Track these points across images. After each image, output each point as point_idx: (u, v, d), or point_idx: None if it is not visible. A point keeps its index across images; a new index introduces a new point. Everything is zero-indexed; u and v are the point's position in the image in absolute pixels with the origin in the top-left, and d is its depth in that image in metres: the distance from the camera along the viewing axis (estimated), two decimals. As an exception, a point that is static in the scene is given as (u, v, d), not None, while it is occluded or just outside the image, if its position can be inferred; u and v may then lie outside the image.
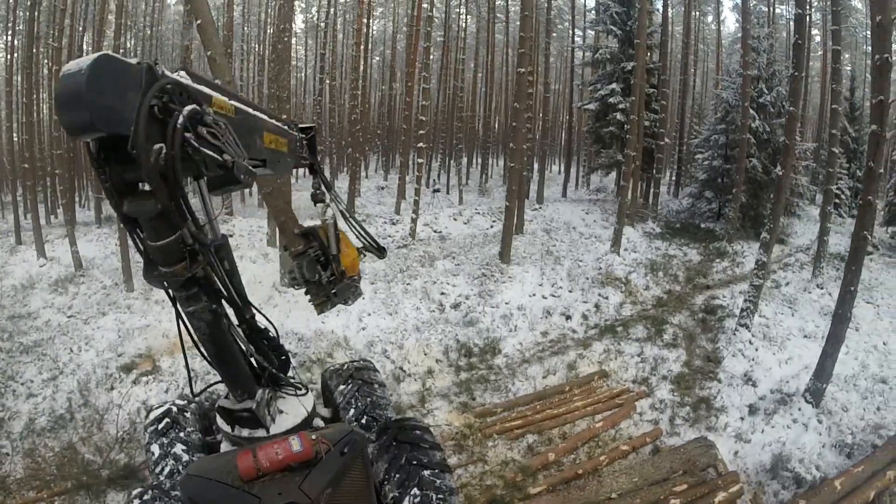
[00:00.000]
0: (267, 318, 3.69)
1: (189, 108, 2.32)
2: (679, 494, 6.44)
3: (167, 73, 2.39)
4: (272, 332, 3.72)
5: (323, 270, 4.40)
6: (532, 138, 24.90)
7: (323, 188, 4.53)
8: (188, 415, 5.25)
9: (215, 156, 2.44)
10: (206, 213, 3.08)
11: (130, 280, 13.86)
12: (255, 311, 3.45)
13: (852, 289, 9.07)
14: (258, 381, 3.64)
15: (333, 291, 4.48)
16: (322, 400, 6.02)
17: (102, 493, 6.74)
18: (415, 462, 4.29)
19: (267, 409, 3.58)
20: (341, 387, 5.70)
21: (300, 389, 3.91)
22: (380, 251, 4.80)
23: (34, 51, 17.57)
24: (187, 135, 2.32)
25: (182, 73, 2.57)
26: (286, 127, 3.93)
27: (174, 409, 5.25)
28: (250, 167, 2.75)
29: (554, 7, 34.26)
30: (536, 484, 6.64)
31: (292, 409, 3.78)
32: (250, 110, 3.20)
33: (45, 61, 22.43)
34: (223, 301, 3.05)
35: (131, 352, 10.64)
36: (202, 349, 3.18)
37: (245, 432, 3.56)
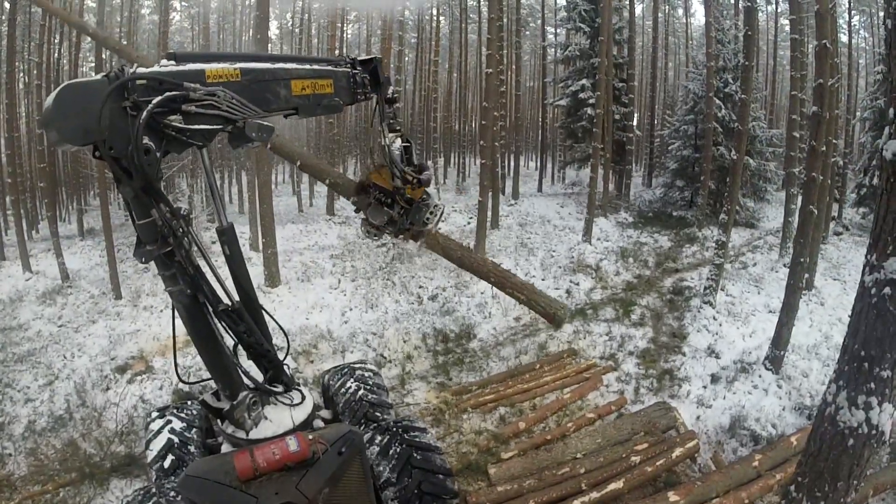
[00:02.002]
0: (269, 315, 3.82)
1: (156, 100, 2.70)
2: (640, 452, 6.84)
3: (142, 70, 2.76)
4: (261, 339, 3.64)
5: (390, 209, 4.38)
6: (504, 136, 25.44)
7: (387, 118, 4.41)
8: (188, 434, 5.22)
9: (208, 126, 2.87)
10: (215, 203, 3.54)
11: (118, 288, 14.17)
12: (247, 306, 3.51)
13: (802, 260, 9.62)
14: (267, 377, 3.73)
15: (410, 221, 4.44)
16: (322, 401, 6.11)
17: (106, 481, 7.07)
18: (417, 467, 4.35)
19: (247, 413, 3.52)
20: (341, 388, 5.79)
21: (295, 399, 3.87)
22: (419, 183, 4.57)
23: (14, 66, 17.78)
24: (172, 118, 2.76)
25: (164, 61, 2.95)
26: (331, 67, 3.96)
27: (175, 440, 5.13)
28: (263, 124, 3.08)
29: (525, 6, 34.90)
30: (508, 450, 7.10)
31: (279, 418, 3.69)
32: (267, 65, 3.36)
33: (22, 76, 22.59)
34: (205, 290, 3.18)
35: (124, 355, 10.98)
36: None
37: (230, 429, 3.57)
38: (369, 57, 4.29)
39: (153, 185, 2.76)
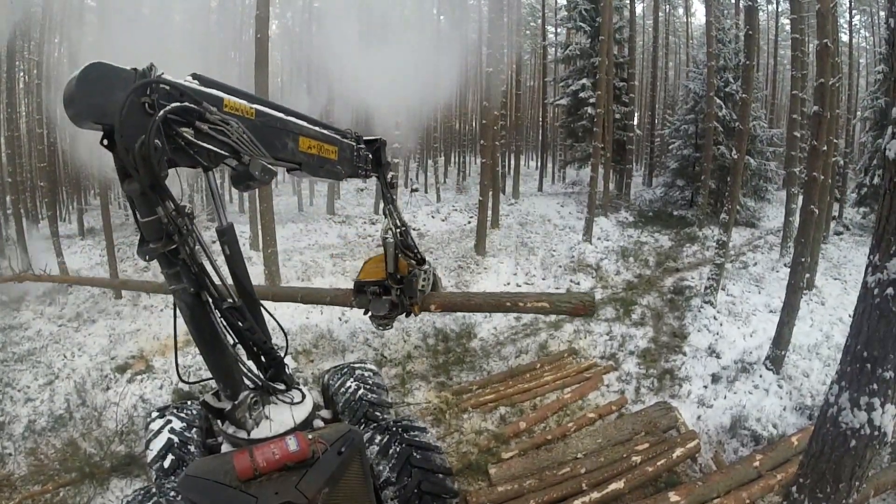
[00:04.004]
0: (270, 314, 3.81)
1: (175, 104, 2.75)
2: (640, 452, 6.82)
3: (168, 77, 2.81)
4: (264, 336, 3.65)
5: (388, 295, 4.89)
6: (505, 135, 25.42)
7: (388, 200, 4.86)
8: (188, 433, 5.19)
9: (215, 149, 2.90)
10: (214, 203, 3.55)
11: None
12: (248, 306, 3.51)
13: (803, 260, 9.55)
14: (263, 375, 3.71)
15: (409, 296, 4.93)
16: (322, 400, 6.04)
17: (106, 480, 7.04)
18: (417, 466, 4.35)
19: (249, 413, 3.51)
20: (341, 388, 5.76)
21: (296, 398, 3.87)
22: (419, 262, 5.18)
23: (14, 65, 17.80)
24: (183, 129, 2.79)
25: (189, 77, 3.03)
26: (338, 136, 4.11)
27: (175, 439, 5.10)
28: (268, 166, 3.12)
29: (526, 5, 34.86)
30: (508, 450, 7.09)
31: (280, 418, 3.68)
32: (280, 115, 3.48)
33: (22, 76, 22.56)
34: (209, 287, 3.18)
35: (124, 354, 10.96)
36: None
37: (231, 429, 3.56)
38: (374, 137, 4.54)
39: (160, 182, 2.77)
